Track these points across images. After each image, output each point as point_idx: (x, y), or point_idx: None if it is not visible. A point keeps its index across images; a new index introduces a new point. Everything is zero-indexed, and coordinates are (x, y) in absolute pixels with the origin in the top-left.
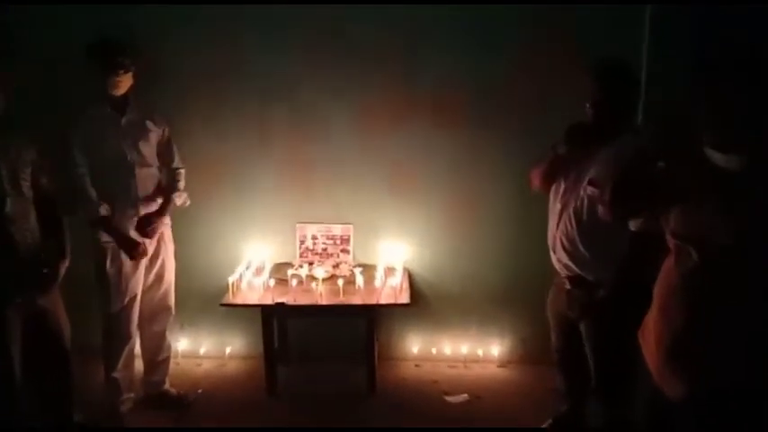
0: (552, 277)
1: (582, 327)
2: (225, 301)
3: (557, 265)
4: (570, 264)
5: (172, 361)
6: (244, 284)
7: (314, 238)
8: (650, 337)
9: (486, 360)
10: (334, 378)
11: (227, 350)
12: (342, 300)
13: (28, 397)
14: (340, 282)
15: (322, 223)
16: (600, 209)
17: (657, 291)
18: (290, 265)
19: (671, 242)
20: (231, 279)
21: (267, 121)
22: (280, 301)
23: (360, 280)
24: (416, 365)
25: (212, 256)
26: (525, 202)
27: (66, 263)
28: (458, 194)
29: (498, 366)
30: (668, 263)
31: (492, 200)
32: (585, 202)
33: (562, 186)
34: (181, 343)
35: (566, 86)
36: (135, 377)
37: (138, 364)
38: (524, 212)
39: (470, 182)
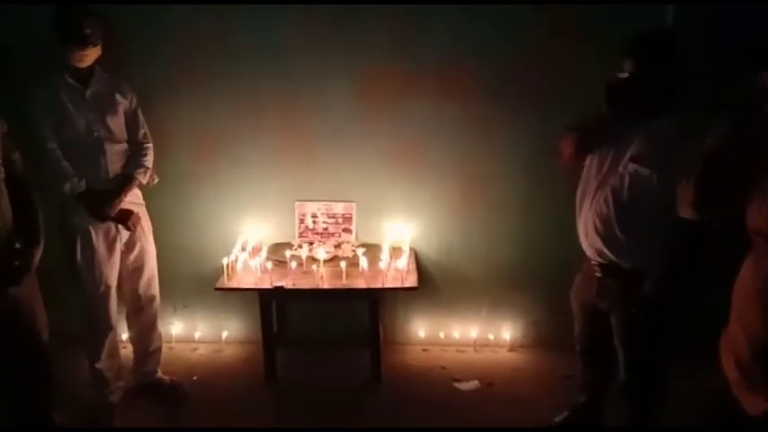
0: (577, 262)
1: (613, 319)
2: (219, 285)
3: (588, 251)
4: (604, 249)
5: (165, 346)
6: (239, 266)
7: (314, 216)
8: (728, 345)
9: (496, 344)
10: (336, 364)
11: (224, 335)
12: (344, 283)
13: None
14: (342, 264)
15: (322, 201)
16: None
17: (735, 295)
18: (288, 245)
19: (753, 238)
20: (226, 261)
21: (261, 93)
22: (278, 284)
23: (363, 262)
24: (424, 350)
25: (206, 236)
26: (539, 179)
27: (41, 249)
28: (467, 170)
29: (509, 351)
30: (746, 264)
31: (504, 176)
32: (626, 180)
33: (596, 162)
34: (175, 327)
35: (584, 61)
36: (123, 366)
37: (128, 353)
38: (537, 190)
39: (481, 157)
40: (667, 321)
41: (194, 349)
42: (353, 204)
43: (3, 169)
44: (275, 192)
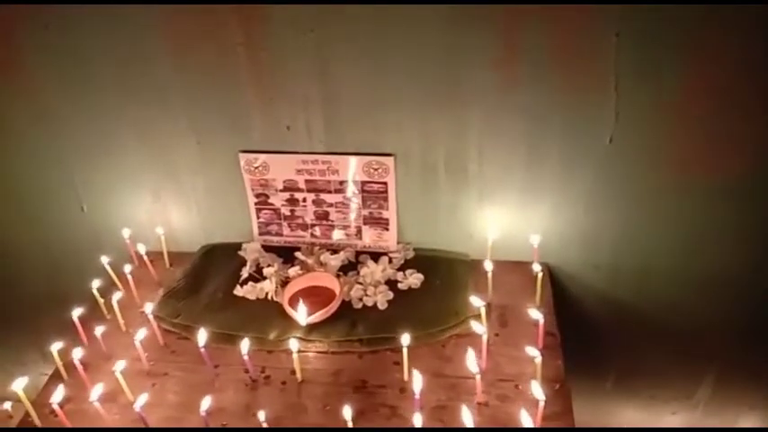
0: None
1: None
2: None
3: None
4: None
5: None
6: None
7: (291, 189)
8: None
9: None
10: None
11: None
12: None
13: None
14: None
15: (310, 153)
16: None
17: None
18: (233, 253)
19: None
20: (19, 386)
21: None
22: None
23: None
24: None
25: (54, 241)
26: None
27: None
28: (667, 98)
29: None
30: None
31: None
32: None
33: None
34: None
35: None
36: None
37: None
38: None
39: (698, 78)
40: None
41: None
42: (390, 161)
43: None
44: (187, 132)
